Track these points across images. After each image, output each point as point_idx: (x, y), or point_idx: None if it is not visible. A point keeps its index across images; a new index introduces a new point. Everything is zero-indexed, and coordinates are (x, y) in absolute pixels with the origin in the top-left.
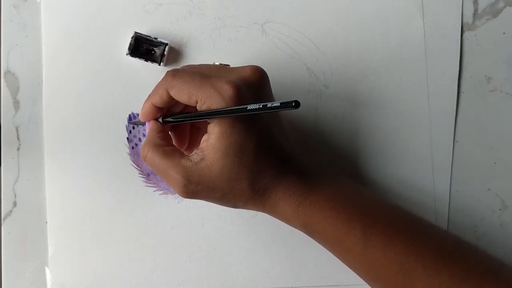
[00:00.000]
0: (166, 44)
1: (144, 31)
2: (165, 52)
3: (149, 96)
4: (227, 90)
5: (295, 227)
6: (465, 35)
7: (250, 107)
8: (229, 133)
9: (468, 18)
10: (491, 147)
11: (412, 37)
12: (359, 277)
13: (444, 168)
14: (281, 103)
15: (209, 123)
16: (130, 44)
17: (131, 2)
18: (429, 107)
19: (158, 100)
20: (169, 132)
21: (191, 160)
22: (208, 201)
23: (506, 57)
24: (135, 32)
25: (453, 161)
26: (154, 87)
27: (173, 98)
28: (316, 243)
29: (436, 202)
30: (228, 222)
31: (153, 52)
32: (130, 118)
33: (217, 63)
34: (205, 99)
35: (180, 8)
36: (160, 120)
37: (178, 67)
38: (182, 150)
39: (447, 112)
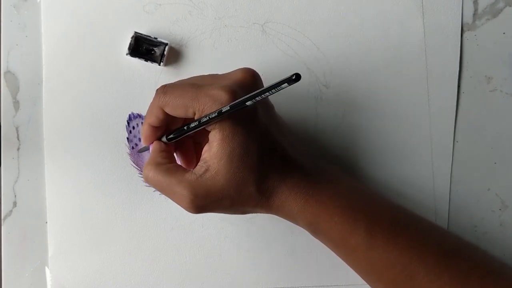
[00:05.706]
0: (166, 44)
1: (144, 31)
2: (165, 52)
3: (145, 118)
4: (223, 96)
5: (301, 226)
6: (465, 35)
7: (248, 96)
8: (231, 137)
9: (468, 18)
10: (491, 147)
11: (412, 37)
12: (359, 277)
13: (444, 168)
14: (281, 80)
15: (209, 132)
16: (130, 44)
17: (131, 2)
18: (429, 107)
19: (155, 120)
20: (175, 153)
21: (195, 174)
22: (217, 212)
23: (506, 57)
24: (135, 32)
25: (453, 161)
26: (148, 105)
27: (170, 115)
28: (316, 243)
29: (436, 202)
30: (228, 222)
31: (153, 52)
32: (130, 118)
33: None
34: (202, 108)
35: (180, 8)
36: (164, 139)
37: (169, 82)
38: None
39: (447, 112)
